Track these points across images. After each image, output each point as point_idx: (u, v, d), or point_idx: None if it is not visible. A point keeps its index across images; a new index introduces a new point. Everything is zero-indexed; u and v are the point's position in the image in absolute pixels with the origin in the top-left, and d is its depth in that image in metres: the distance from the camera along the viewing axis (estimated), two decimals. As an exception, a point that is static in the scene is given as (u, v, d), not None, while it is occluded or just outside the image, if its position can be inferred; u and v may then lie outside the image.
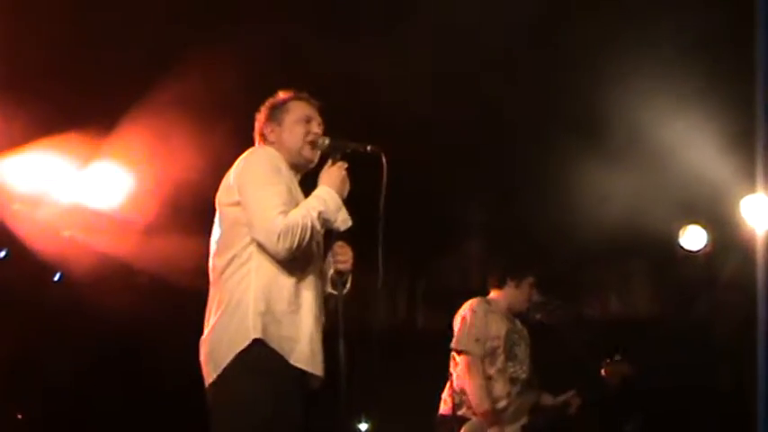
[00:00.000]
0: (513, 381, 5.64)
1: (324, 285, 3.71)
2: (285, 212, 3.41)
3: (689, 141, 6.75)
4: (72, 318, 8.15)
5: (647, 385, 6.64)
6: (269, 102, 3.89)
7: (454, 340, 5.65)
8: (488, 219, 8.15)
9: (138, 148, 7.43)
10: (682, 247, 8.13)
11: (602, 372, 5.95)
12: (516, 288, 5.90)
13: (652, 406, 7.72)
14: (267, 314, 3.40)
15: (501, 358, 5.64)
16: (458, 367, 5.60)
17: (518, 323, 5.89)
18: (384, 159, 3.62)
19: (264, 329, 3.37)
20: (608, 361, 6.03)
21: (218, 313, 3.46)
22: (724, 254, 8.05)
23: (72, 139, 7.44)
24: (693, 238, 8.10)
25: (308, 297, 3.55)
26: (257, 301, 3.41)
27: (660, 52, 6.23)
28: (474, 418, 5.47)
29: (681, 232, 8.11)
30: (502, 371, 5.62)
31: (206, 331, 3.51)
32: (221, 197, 3.62)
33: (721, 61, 6.17)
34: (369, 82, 6.24)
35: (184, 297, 8.23)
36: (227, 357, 3.36)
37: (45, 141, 7.48)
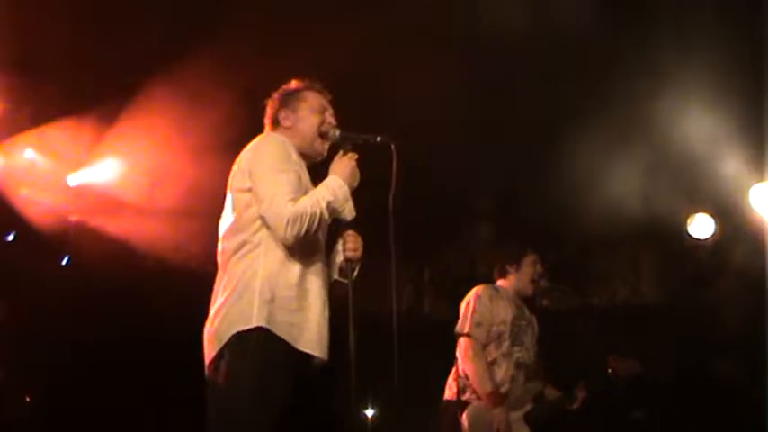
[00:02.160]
0: (518, 366, 5.65)
1: (330, 273, 3.73)
2: (295, 200, 3.43)
3: (698, 130, 6.73)
4: (79, 301, 8.17)
5: (654, 374, 6.63)
6: (283, 88, 3.91)
7: (458, 325, 5.68)
8: (495, 205, 8.14)
9: (145, 131, 7.44)
10: (690, 236, 8.11)
11: (609, 369, 5.90)
12: (518, 272, 5.91)
13: (659, 394, 7.73)
14: (273, 301, 3.42)
15: (506, 343, 5.65)
16: (460, 351, 5.62)
17: (526, 311, 5.89)
18: (394, 149, 3.65)
19: (270, 317, 3.40)
20: (615, 357, 5.98)
21: (225, 295, 3.48)
22: (732, 242, 8.02)
23: (80, 122, 7.45)
24: (702, 226, 8.08)
25: (316, 283, 3.58)
26: (263, 288, 3.43)
27: (671, 41, 6.21)
28: (476, 402, 5.49)
29: (689, 221, 8.09)
30: (507, 355, 5.63)
31: (212, 312, 3.53)
32: (233, 182, 3.63)
33: (732, 50, 6.14)
34: (377, 70, 6.24)
35: (190, 280, 8.28)
36: (226, 336, 3.40)
37: (54, 125, 7.50)
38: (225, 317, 3.45)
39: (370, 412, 11.16)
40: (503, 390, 5.53)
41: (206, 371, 3.50)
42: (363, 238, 3.67)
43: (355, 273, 3.68)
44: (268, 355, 3.38)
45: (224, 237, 3.62)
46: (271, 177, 3.51)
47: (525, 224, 8.06)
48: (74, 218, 8.50)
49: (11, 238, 8.37)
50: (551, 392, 5.83)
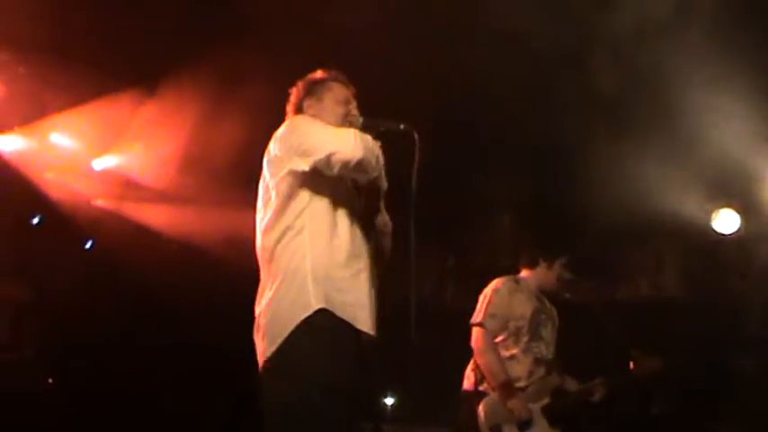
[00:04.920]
0: (537, 361, 5.63)
1: (373, 244, 3.71)
2: None
3: (725, 124, 6.67)
4: (102, 284, 8.23)
5: (676, 370, 6.59)
6: (308, 77, 3.89)
7: (473, 316, 5.68)
8: (519, 197, 8.11)
9: (173, 117, 7.45)
10: (715, 231, 8.05)
11: (631, 365, 5.86)
12: (548, 269, 5.89)
13: (680, 389, 7.69)
14: (327, 281, 3.39)
15: (525, 338, 5.63)
16: (472, 341, 5.63)
17: (547, 303, 5.87)
18: (417, 137, 3.63)
19: (327, 298, 3.36)
20: (637, 353, 5.92)
21: (275, 286, 3.42)
22: (757, 238, 7.96)
23: (107, 106, 7.48)
24: (726, 221, 8.02)
25: (363, 259, 3.56)
26: (315, 269, 3.39)
27: (695, 34, 6.15)
28: (493, 393, 5.48)
29: (714, 215, 8.03)
30: (525, 351, 5.62)
31: (262, 304, 3.47)
32: (269, 173, 3.58)
33: (758, 44, 6.08)
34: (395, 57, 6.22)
35: (213, 265, 8.32)
36: (288, 327, 3.32)
37: (80, 109, 7.53)
38: (280, 307, 3.39)
39: (390, 400, 11.17)
40: (520, 384, 5.52)
41: (261, 368, 3.40)
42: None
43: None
44: (338, 336, 3.35)
45: (264, 230, 3.55)
46: (316, 128, 3.54)
47: (549, 216, 8.03)
48: (98, 202, 8.55)
49: (36, 221, 8.44)
50: (571, 384, 5.82)
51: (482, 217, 8.87)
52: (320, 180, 3.49)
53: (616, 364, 5.93)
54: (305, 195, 3.49)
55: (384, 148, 3.62)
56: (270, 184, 3.55)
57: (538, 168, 7.60)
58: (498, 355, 5.55)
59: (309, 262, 3.40)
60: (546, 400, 5.61)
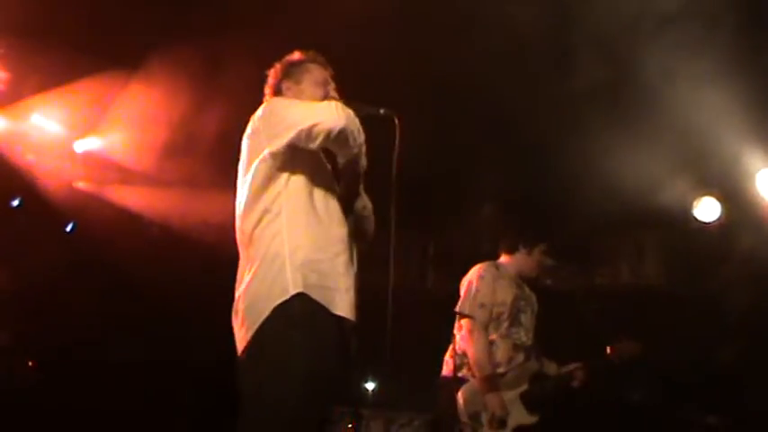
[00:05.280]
0: (516, 347, 5.64)
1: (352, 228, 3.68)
2: None
3: (706, 112, 6.69)
4: (83, 267, 8.19)
5: (656, 356, 6.63)
6: (286, 59, 3.86)
7: (459, 304, 5.65)
8: (501, 184, 8.11)
9: (154, 99, 7.41)
10: (695, 219, 8.08)
11: (608, 350, 5.87)
12: (528, 255, 5.89)
13: (660, 377, 7.73)
14: (305, 265, 3.34)
15: (505, 324, 5.64)
16: (461, 331, 5.61)
17: (526, 289, 5.87)
18: (397, 122, 3.60)
19: (305, 282, 3.32)
20: (616, 338, 5.93)
21: (254, 269, 3.38)
22: (738, 226, 8.00)
23: (88, 88, 7.43)
24: (708, 209, 8.05)
25: (343, 242, 3.52)
26: (293, 254, 3.35)
27: (681, 25, 6.16)
28: (473, 380, 5.49)
29: (695, 203, 8.06)
30: (505, 336, 5.63)
31: (241, 289, 3.43)
32: (247, 155, 3.54)
33: (741, 35, 6.10)
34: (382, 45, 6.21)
35: (194, 249, 8.29)
36: (265, 312, 3.28)
37: (61, 90, 7.48)
38: (258, 292, 3.35)
39: (371, 386, 11.21)
40: (500, 370, 5.53)
41: (240, 354, 3.36)
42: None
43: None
44: (316, 322, 3.30)
45: (243, 214, 3.51)
46: (296, 105, 3.52)
47: (531, 203, 8.05)
48: (80, 184, 8.51)
49: (16, 203, 8.39)
50: (550, 368, 5.83)
51: (463, 204, 8.87)
52: (298, 162, 3.47)
53: (594, 350, 5.95)
54: (282, 178, 3.45)
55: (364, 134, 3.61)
56: (247, 166, 3.52)
57: (520, 156, 7.61)
58: (487, 347, 5.54)
59: (287, 246, 3.36)
60: (524, 387, 5.62)
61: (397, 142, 3.60)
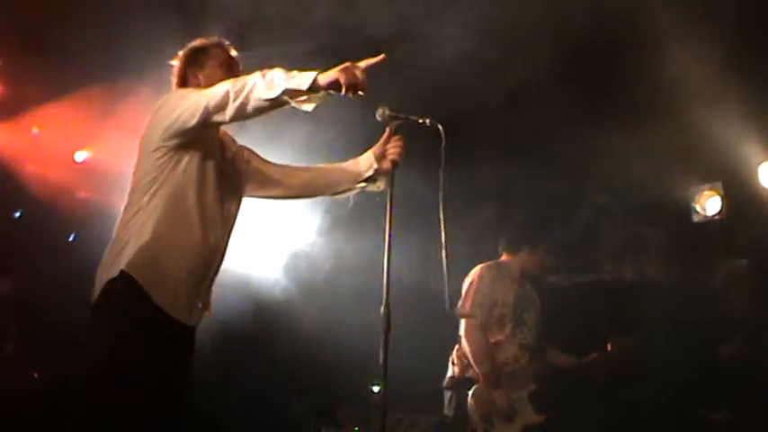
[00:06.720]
0: (521, 347, 5.65)
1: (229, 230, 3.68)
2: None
3: (708, 105, 6.68)
4: (85, 278, 8.18)
5: (658, 351, 6.62)
6: (188, 46, 3.86)
7: (459, 304, 5.67)
8: (502, 182, 8.10)
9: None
10: (697, 212, 8.06)
11: (610, 346, 5.88)
12: (530, 254, 5.90)
13: (662, 372, 7.70)
14: (144, 249, 3.35)
15: (509, 325, 5.66)
16: (461, 330, 5.63)
17: (528, 288, 5.88)
18: (442, 131, 3.65)
19: (133, 263, 3.33)
20: (615, 335, 5.94)
21: (108, 248, 3.48)
22: (740, 220, 7.98)
23: (88, 99, 7.44)
24: (709, 203, 8.03)
25: (209, 246, 3.52)
26: (139, 237, 3.38)
27: (685, 17, 6.15)
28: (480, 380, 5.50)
29: (697, 197, 8.04)
30: (510, 337, 5.64)
31: None
32: (144, 144, 3.57)
33: (745, 26, 6.09)
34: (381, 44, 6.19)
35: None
36: (99, 285, 3.39)
37: (61, 101, 7.49)
38: (101, 264, 3.45)
39: (375, 388, 11.17)
40: (507, 370, 5.54)
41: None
42: None
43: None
44: (133, 307, 3.31)
45: (124, 207, 3.57)
46: (191, 93, 3.47)
47: (533, 200, 8.03)
48: (81, 194, 8.50)
49: (17, 215, 8.38)
50: (555, 355, 5.84)
51: (465, 204, 8.86)
52: (179, 161, 3.48)
53: (597, 346, 5.96)
54: (159, 176, 3.47)
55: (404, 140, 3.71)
56: (142, 156, 3.56)
57: (520, 153, 7.60)
58: (486, 344, 5.56)
59: (136, 230, 3.40)
60: (532, 387, 5.63)
61: (443, 150, 3.69)
